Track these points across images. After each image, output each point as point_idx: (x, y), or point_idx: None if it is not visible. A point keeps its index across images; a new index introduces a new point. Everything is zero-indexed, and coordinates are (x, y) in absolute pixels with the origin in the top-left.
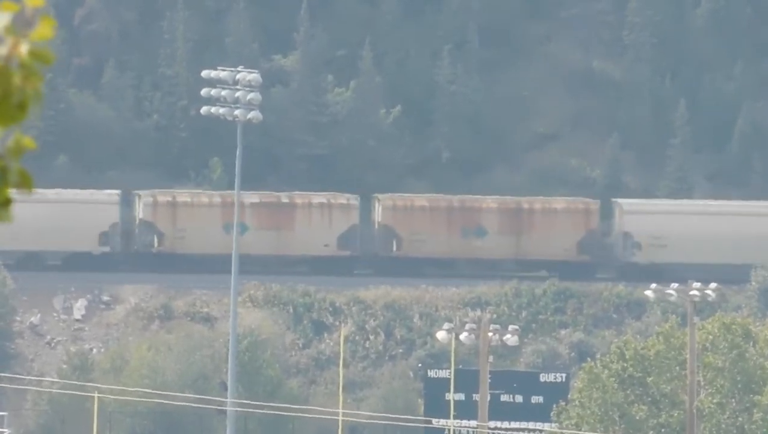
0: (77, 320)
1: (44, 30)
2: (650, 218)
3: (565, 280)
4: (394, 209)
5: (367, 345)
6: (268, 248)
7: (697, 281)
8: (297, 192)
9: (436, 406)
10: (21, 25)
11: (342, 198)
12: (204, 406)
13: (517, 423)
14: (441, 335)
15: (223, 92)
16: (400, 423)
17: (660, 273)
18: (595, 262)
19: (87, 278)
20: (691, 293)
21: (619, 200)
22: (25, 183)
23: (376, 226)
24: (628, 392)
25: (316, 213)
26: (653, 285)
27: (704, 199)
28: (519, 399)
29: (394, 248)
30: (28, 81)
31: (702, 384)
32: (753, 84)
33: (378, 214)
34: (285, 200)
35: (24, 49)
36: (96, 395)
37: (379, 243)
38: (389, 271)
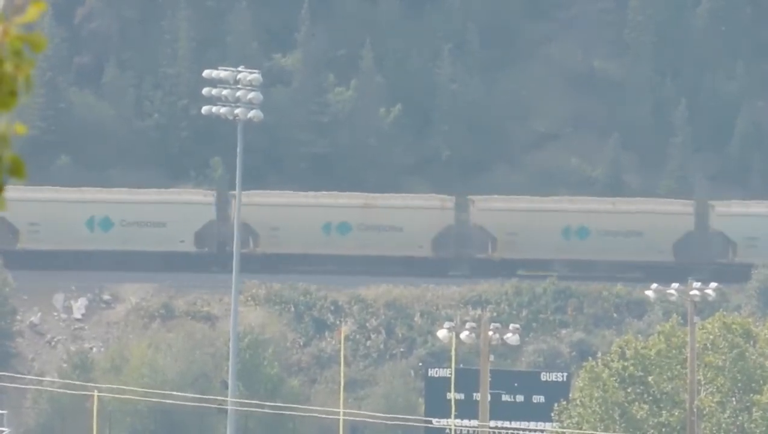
0: (77, 319)
1: (31, 13)
2: None
3: None
4: None
5: (368, 344)
6: None
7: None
8: None
9: (437, 406)
10: (11, 11)
11: None
12: (204, 405)
13: (518, 422)
14: (442, 333)
15: (224, 92)
16: (401, 423)
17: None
18: None
19: (87, 277)
20: (692, 292)
21: None
22: (18, 170)
23: None
24: (629, 391)
25: None
26: (654, 285)
27: None
28: (520, 398)
29: None
30: (19, 68)
31: (702, 383)
32: (753, 84)
33: None
34: None
35: (14, 35)
36: (96, 394)
37: None
38: None
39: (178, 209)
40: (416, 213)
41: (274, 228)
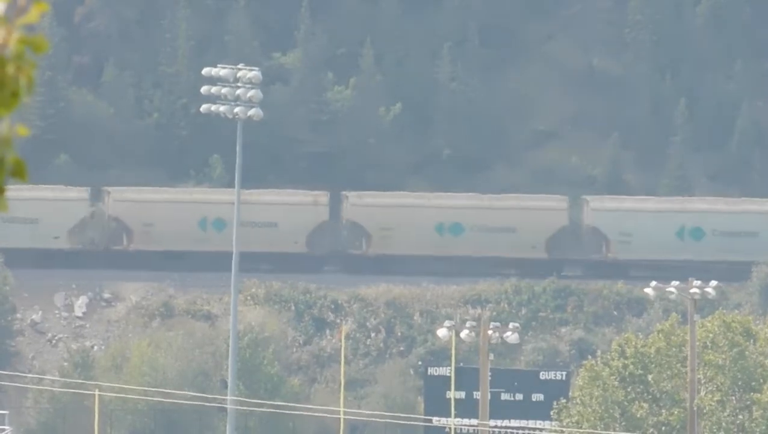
0: (78, 317)
1: (32, 14)
2: None
3: None
4: None
5: (367, 343)
6: None
7: None
8: None
9: (437, 404)
10: (13, 13)
11: None
12: (204, 404)
13: (518, 421)
14: (441, 332)
15: (224, 90)
16: (401, 422)
17: None
18: None
19: (88, 275)
20: (692, 291)
21: None
22: (20, 172)
23: None
24: (629, 390)
25: None
26: (653, 283)
27: None
28: (519, 397)
29: None
30: (21, 70)
31: (702, 381)
32: (753, 83)
33: None
34: None
35: (16, 38)
36: (96, 392)
37: None
38: None
39: (52, 205)
40: (290, 209)
41: (148, 225)
